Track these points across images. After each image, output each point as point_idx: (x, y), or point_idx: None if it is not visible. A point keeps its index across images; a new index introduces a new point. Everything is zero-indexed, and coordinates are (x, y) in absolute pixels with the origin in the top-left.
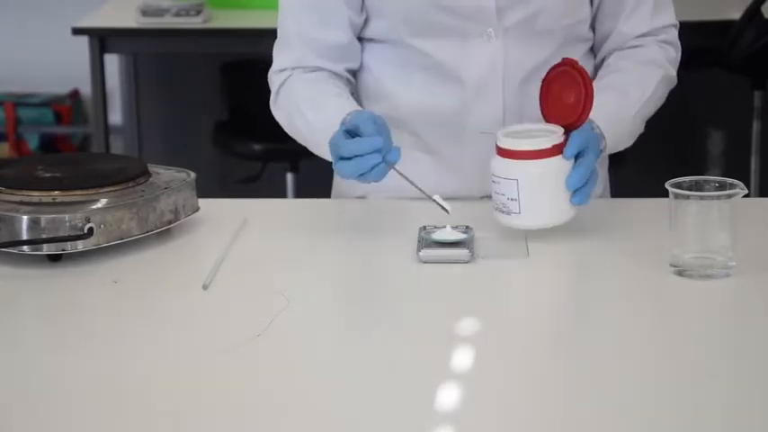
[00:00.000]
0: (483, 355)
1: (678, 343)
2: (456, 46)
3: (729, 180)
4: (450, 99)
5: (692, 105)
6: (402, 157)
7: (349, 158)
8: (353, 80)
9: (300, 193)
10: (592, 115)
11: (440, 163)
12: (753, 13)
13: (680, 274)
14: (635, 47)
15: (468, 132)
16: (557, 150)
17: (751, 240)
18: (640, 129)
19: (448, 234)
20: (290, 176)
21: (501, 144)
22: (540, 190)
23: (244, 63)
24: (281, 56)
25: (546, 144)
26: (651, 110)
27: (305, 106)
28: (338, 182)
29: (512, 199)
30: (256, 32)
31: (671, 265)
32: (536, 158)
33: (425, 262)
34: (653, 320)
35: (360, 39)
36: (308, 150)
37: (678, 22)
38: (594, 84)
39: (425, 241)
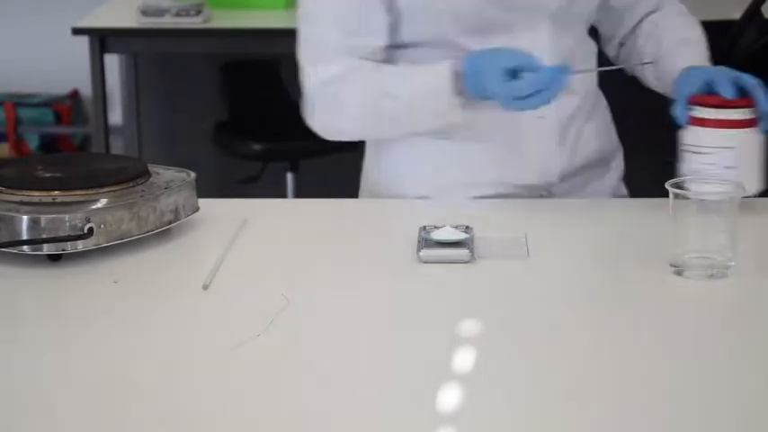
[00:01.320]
0: (483, 355)
1: (678, 343)
2: (504, 39)
3: (729, 180)
4: None
5: None
6: (459, 147)
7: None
8: None
9: (300, 193)
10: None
11: (497, 153)
12: (753, 13)
13: (680, 273)
14: (660, 7)
15: (524, 120)
16: (754, 120)
17: (751, 240)
18: None
19: (448, 234)
20: (290, 176)
21: (710, 115)
22: (758, 155)
23: (244, 63)
24: (323, 68)
25: (750, 114)
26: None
27: (392, 85)
28: (380, 182)
29: (729, 167)
30: (256, 32)
31: (671, 265)
32: (748, 127)
33: (425, 262)
34: (653, 320)
35: (392, 46)
36: (308, 150)
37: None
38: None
39: (425, 241)
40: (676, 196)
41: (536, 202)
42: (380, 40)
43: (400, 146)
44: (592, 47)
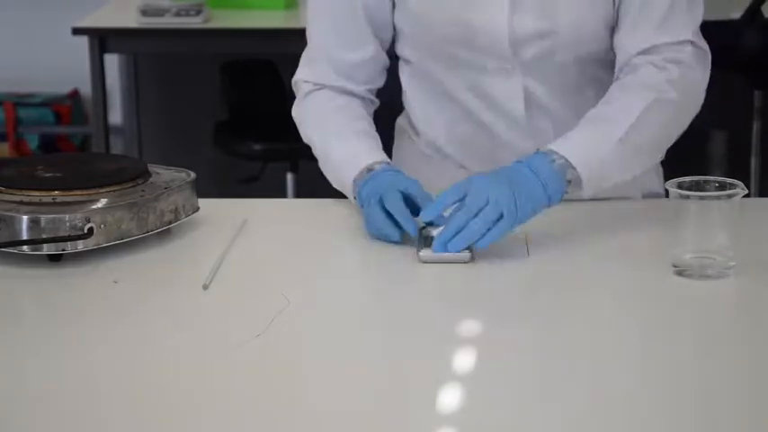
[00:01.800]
0: (483, 355)
1: (678, 343)
2: (476, 79)
3: (729, 180)
4: (481, 133)
5: None
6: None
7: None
8: (376, 100)
9: (300, 193)
10: (557, 148)
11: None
12: (753, 13)
13: (680, 273)
14: (634, 68)
15: (503, 160)
16: None
17: (751, 240)
18: (645, 158)
19: None
20: (290, 176)
21: None
22: None
23: (244, 63)
24: (307, 67)
25: None
26: (647, 139)
27: (333, 129)
28: None
29: None
30: (256, 32)
31: (672, 266)
32: None
33: (425, 262)
34: (653, 320)
35: (394, 57)
36: (308, 150)
37: (695, 40)
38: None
39: (426, 241)
40: (676, 196)
41: None
42: (362, 55)
43: (405, 147)
44: (594, 93)
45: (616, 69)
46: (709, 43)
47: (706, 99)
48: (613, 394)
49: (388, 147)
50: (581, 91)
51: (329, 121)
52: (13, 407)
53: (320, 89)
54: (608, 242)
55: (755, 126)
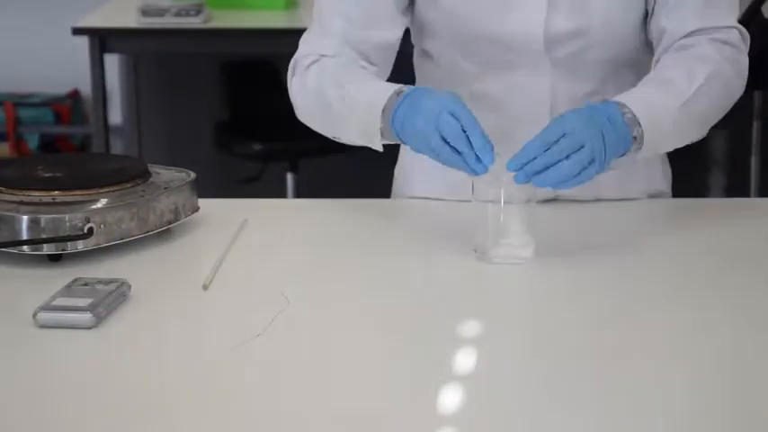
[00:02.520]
0: (484, 356)
1: (679, 343)
2: (504, 76)
3: None
4: (497, 127)
5: None
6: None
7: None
8: None
9: (300, 193)
10: (626, 101)
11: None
12: (753, 13)
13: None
14: (684, 46)
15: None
16: None
17: (752, 240)
18: (696, 129)
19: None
20: (290, 176)
21: None
22: None
23: (244, 63)
24: (315, 44)
25: None
26: (705, 108)
27: (346, 79)
28: (400, 183)
29: None
30: (256, 32)
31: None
32: None
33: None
34: (655, 320)
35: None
36: (308, 150)
37: (741, 27)
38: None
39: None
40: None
41: (537, 204)
42: (387, 36)
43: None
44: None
45: (659, 52)
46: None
47: None
48: (615, 394)
49: (393, 151)
50: (608, 91)
51: (342, 72)
52: (13, 407)
53: (329, 58)
54: (608, 242)
55: (755, 126)
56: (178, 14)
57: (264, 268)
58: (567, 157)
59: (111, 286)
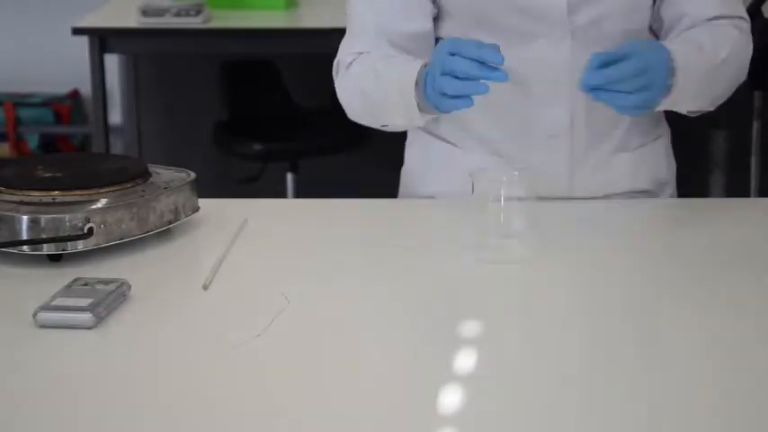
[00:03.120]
0: (484, 356)
1: (680, 342)
2: (525, 50)
3: None
4: (517, 104)
5: None
6: (469, 156)
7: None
8: None
9: (300, 193)
10: (672, 51)
11: (507, 166)
12: (753, 13)
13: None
14: (707, 25)
15: (536, 136)
16: None
17: (752, 240)
18: (709, 99)
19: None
20: (290, 176)
21: None
22: None
23: (244, 63)
24: (352, 44)
25: None
26: (722, 80)
27: (381, 67)
28: (407, 183)
29: None
30: (256, 32)
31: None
32: None
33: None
34: (655, 321)
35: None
36: (308, 150)
37: (747, 18)
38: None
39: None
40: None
41: (538, 203)
42: (422, 25)
43: (415, 148)
44: None
45: (672, 35)
46: None
47: None
48: (615, 394)
49: (400, 145)
50: None
51: (377, 63)
52: (13, 406)
53: (366, 54)
54: (608, 242)
55: (755, 126)
56: (178, 14)
57: (264, 268)
58: (624, 81)
59: (111, 286)
